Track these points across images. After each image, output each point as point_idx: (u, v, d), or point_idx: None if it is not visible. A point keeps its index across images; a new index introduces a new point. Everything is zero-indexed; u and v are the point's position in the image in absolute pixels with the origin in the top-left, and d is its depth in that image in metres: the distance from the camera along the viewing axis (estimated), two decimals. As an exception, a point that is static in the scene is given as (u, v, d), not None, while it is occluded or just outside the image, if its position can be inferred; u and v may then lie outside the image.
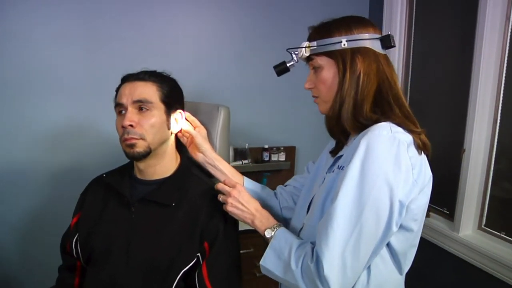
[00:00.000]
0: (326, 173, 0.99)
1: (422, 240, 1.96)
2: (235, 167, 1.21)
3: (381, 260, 0.90)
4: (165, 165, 1.12)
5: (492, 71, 1.75)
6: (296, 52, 0.99)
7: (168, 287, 1.02)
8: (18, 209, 1.98)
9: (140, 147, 1.02)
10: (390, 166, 0.81)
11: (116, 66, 1.91)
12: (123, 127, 1.02)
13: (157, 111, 1.05)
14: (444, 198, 2.02)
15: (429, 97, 2.11)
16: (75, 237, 1.14)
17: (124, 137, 1.03)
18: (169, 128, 1.10)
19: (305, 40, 0.98)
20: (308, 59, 0.98)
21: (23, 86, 1.92)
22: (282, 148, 2.36)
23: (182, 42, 2.17)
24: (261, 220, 0.98)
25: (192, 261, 1.03)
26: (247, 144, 2.26)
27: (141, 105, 1.03)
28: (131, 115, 1.02)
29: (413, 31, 2.18)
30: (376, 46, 0.93)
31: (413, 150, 0.86)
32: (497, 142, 1.77)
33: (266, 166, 2.30)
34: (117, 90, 1.09)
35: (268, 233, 0.95)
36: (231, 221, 1.09)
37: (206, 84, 2.19)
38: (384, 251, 0.90)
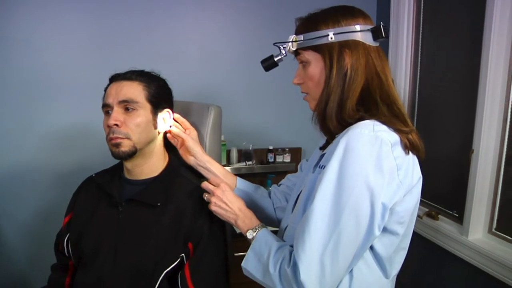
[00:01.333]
0: (311, 172, 0.96)
1: (430, 244, 1.95)
2: (240, 169, 1.17)
3: (365, 264, 0.86)
4: (152, 164, 1.12)
5: (502, 68, 1.68)
6: (285, 46, 0.94)
7: None
8: (27, 209, 2.02)
9: (126, 146, 1.02)
10: (371, 167, 0.77)
11: (120, 69, 1.94)
12: (108, 126, 1.02)
13: (143, 110, 1.05)
14: (453, 200, 1.96)
15: (438, 96, 2.05)
16: (67, 236, 1.15)
17: (110, 137, 1.03)
18: (156, 128, 1.09)
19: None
20: (296, 53, 0.93)
21: (31, 89, 1.96)
22: (287, 149, 2.35)
23: (187, 45, 2.17)
24: (244, 221, 0.96)
25: (176, 261, 1.03)
26: (251, 145, 2.25)
27: (127, 105, 1.03)
28: (117, 114, 1.02)
29: (421, 29, 2.13)
30: (367, 38, 0.87)
31: (399, 150, 0.82)
32: (507, 142, 1.70)
33: (271, 168, 2.29)
34: (105, 90, 1.09)
35: (249, 234, 0.93)
36: (218, 222, 1.08)
37: (209, 85, 2.19)
38: (368, 255, 0.86)
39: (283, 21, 2.23)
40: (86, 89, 2.01)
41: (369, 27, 0.88)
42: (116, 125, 1.01)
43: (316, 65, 0.89)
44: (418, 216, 2.03)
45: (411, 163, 0.84)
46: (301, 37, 0.90)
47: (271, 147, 2.31)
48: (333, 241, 0.77)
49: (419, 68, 2.17)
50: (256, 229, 0.93)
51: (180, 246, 1.03)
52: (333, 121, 0.87)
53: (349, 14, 0.88)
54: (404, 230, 0.88)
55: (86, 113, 2.02)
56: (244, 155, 2.22)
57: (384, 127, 0.82)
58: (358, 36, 0.86)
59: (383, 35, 0.87)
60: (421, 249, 2.06)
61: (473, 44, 1.80)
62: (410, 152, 0.84)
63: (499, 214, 1.76)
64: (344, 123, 0.86)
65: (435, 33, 2.06)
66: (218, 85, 2.19)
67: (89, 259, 1.07)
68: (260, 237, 0.91)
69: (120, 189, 1.10)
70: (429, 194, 2.11)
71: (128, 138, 1.02)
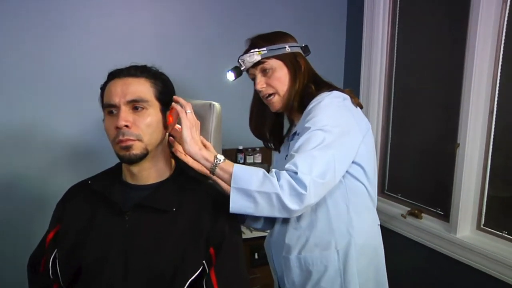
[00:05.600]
0: (288, 149, 1.20)
1: (415, 244, 1.92)
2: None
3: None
4: (161, 167, 1.08)
5: (488, 57, 1.64)
6: (243, 60, 1.19)
7: None
8: None
9: (137, 149, 0.99)
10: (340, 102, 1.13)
11: (68, 61, 1.87)
12: (117, 128, 0.97)
13: (153, 109, 1.02)
14: (437, 197, 1.92)
15: (416, 87, 2.02)
16: (53, 254, 1.05)
17: (119, 139, 0.98)
18: (166, 127, 1.06)
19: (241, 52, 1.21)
20: (258, 63, 1.18)
21: None
22: (258, 149, 2.24)
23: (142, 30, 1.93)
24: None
25: (199, 268, 0.99)
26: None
27: (136, 104, 0.99)
28: (126, 114, 0.98)
29: (397, 14, 2.09)
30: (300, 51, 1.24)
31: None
32: (494, 134, 1.68)
33: (241, 169, 2.10)
34: (103, 88, 1.04)
35: (224, 169, 1.01)
36: (235, 223, 1.07)
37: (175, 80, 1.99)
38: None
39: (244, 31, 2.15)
40: (21, 87, 1.81)
41: (302, 45, 1.25)
42: (126, 126, 0.97)
43: (281, 69, 1.19)
44: (401, 215, 1.99)
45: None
46: (264, 49, 1.17)
47: (240, 147, 2.20)
48: (322, 145, 1.02)
49: (395, 55, 2.13)
50: (217, 160, 1.01)
51: (202, 252, 1.00)
52: (298, 105, 1.18)
53: (290, 35, 1.23)
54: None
55: (23, 113, 1.82)
56: (211, 157, 2.00)
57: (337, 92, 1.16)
58: (299, 49, 1.22)
59: (309, 52, 1.25)
60: (407, 250, 2.01)
61: (456, 31, 1.77)
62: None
63: (487, 209, 1.73)
64: (306, 103, 1.15)
65: (414, 17, 2.02)
66: (177, 77, 1.99)
67: (90, 275, 0.99)
68: (238, 171, 0.99)
69: (123, 195, 1.05)
70: (410, 192, 2.07)
71: (140, 140, 0.99)
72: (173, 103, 1.07)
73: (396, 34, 2.11)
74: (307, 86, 1.17)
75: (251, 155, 2.20)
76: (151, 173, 1.06)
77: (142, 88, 1.01)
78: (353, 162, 1.11)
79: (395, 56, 2.13)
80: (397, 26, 2.11)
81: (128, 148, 0.98)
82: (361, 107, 1.19)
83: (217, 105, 1.29)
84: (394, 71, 2.13)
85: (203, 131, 1.20)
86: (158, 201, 1.03)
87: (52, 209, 1.11)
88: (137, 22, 1.98)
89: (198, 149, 1.02)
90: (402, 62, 2.09)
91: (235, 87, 2.06)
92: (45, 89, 1.83)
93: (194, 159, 1.03)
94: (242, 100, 2.06)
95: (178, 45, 2.07)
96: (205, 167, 1.02)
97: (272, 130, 1.31)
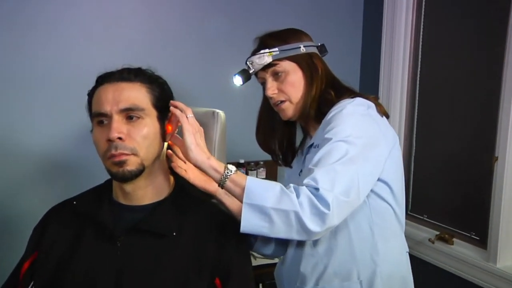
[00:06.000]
0: (302, 164, 1.13)
1: (445, 274, 1.74)
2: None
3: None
4: (158, 185, 1.03)
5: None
6: (252, 62, 1.11)
7: None
8: None
9: (132, 164, 0.94)
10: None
11: (39, 61, 1.72)
12: (109, 140, 0.92)
13: (150, 118, 0.97)
14: (470, 219, 1.76)
15: (446, 91, 1.88)
16: (30, 285, 1.00)
17: (111, 153, 0.92)
18: (164, 140, 1.01)
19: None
20: (268, 66, 1.09)
21: None
22: (262, 162, 2.05)
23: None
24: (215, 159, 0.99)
25: None
26: (218, 159, 1.88)
27: (131, 113, 0.94)
28: (119, 124, 0.92)
29: (423, 5, 1.95)
30: (317, 51, 1.16)
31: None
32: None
33: (242, 187, 1.96)
34: (91, 94, 0.99)
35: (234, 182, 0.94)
36: (244, 249, 1.04)
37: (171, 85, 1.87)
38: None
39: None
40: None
41: (317, 44, 1.17)
42: (120, 138, 0.92)
43: (295, 73, 1.10)
44: (428, 240, 1.82)
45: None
46: (276, 49, 1.08)
47: (242, 161, 2.02)
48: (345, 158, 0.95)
49: (419, 53, 1.99)
50: (228, 171, 0.94)
51: (206, 282, 0.95)
52: (315, 113, 1.10)
53: (304, 33, 1.15)
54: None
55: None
56: (208, 172, 1.86)
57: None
58: (315, 49, 1.14)
59: (326, 51, 1.17)
60: (436, 280, 1.83)
61: (494, 28, 1.64)
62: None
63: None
64: (324, 111, 1.07)
65: (444, 9, 1.87)
66: (173, 81, 1.85)
67: None
68: (252, 185, 0.93)
69: (114, 216, 1.00)
70: (438, 213, 1.90)
71: (135, 154, 0.94)
72: (171, 108, 1.01)
73: (422, 29, 1.96)
74: (326, 92, 1.10)
75: (254, 170, 2.03)
76: (147, 191, 1.01)
77: (137, 94, 0.96)
78: (378, 180, 1.02)
79: (419, 55, 1.98)
80: (422, 20, 1.96)
81: (121, 163, 0.93)
82: (387, 117, 1.09)
83: (221, 113, 1.22)
84: (418, 72, 1.99)
85: (206, 142, 1.12)
86: (156, 224, 0.98)
87: (21, 233, 1.04)
88: (125, 14, 1.81)
89: (206, 158, 0.94)
90: (428, 61, 1.95)
91: (237, 92, 1.92)
92: (18, 90, 1.67)
93: (201, 169, 0.96)
94: (244, 107, 1.93)
95: (174, 43, 1.92)
96: (214, 179, 0.95)
97: (283, 142, 1.22)
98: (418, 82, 1.99)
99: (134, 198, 1.01)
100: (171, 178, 1.08)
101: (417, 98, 2.00)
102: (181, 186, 1.07)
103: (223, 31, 1.98)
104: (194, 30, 1.95)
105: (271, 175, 2.06)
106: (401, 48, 2.01)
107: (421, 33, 1.97)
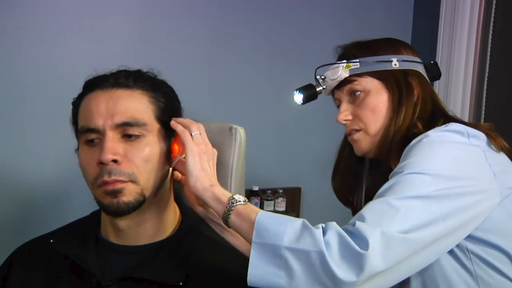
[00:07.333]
0: None
1: None
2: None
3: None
4: (160, 221, 0.94)
5: None
6: (323, 76, 0.97)
7: None
8: None
9: (130, 194, 0.85)
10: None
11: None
12: (101, 163, 0.84)
13: (152, 136, 0.88)
14: None
15: None
16: None
17: (103, 180, 0.83)
18: (170, 165, 0.93)
19: (331, 61, 0.99)
20: (344, 82, 0.95)
21: None
22: (281, 191, 1.90)
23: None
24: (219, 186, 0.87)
25: None
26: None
27: (129, 130, 0.86)
28: (114, 144, 0.84)
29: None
30: (423, 71, 0.98)
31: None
32: None
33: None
34: (77, 104, 0.90)
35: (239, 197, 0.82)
36: None
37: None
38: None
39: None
40: None
41: (428, 62, 1.01)
42: (115, 161, 0.84)
43: (379, 94, 0.94)
44: None
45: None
46: (356, 61, 0.94)
47: (256, 188, 1.86)
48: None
49: (488, 57, 1.85)
50: (234, 201, 0.81)
51: None
52: (398, 151, 0.90)
53: (407, 45, 0.99)
54: None
55: None
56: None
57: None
58: (420, 67, 0.96)
59: (439, 75, 1.00)
60: None
61: None
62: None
63: None
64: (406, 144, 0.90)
65: None
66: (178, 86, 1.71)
67: None
68: (264, 219, 0.78)
69: (103, 261, 0.91)
70: None
71: (133, 181, 0.85)
72: (171, 124, 0.93)
73: (493, 11, 1.82)
74: (413, 125, 0.91)
75: (270, 199, 1.85)
76: (146, 229, 0.94)
77: (137, 105, 0.90)
78: (488, 244, 0.83)
79: (488, 53, 1.84)
80: (493, 11, 1.83)
81: (116, 193, 0.86)
82: (508, 152, 0.90)
83: (240, 130, 1.12)
84: (487, 62, 1.86)
85: (220, 165, 1.04)
86: (157, 271, 0.91)
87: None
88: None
89: (208, 185, 0.84)
90: (500, 48, 1.82)
91: (255, 103, 1.89)
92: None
93: (201, 200, 0.87)
94: (262, 122, 1.92)
95: (180, 38, 1.78)
96: (216, 212, 0.84)
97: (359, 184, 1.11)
98: (486, 75, 1.83)
99: (129, 237, 0.93)
100: (177, 210, 1.00)
101: (484, 96, 1.85)
102: (190, 221, 0.99)
103: (240, 25, 1.84)
104: (206, 23, 1.78)
105: (293, 208, 1.93)
106: (464, 31, 1.85)
107: (491, 27, 1.85)
